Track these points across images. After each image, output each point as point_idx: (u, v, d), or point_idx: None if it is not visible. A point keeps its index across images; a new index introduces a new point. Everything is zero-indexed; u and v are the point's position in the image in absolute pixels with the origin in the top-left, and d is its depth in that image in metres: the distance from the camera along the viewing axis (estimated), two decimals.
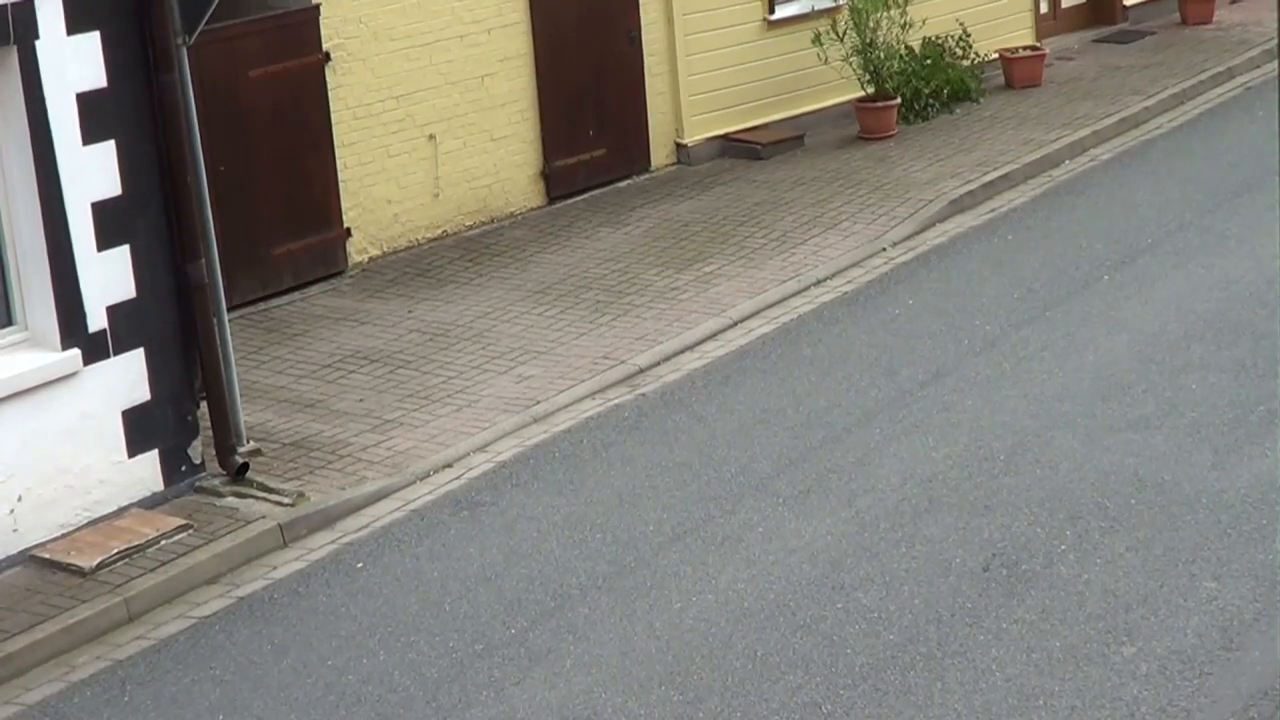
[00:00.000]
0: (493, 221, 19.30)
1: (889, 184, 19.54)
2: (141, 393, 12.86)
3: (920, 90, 22.09)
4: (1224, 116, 21.53)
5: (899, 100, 21.72)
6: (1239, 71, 23.37)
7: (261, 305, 17.05)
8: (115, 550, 12.21)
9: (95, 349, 12.55)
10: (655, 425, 13.99)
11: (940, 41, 22.55)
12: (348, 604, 11.67)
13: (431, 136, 18.59)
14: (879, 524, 12.01)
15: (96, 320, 12.55)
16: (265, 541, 12.54)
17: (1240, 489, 12.05)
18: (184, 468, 13.17)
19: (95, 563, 12.08)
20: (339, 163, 17.69)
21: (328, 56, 17.56)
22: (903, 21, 21.37)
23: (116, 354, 12.68)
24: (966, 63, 22.72)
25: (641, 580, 11.57)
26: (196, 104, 13.15)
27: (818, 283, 16.91)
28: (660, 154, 20.93)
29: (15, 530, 12.19)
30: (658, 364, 15.26)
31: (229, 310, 13.82)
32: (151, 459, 12.97)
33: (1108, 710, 9.65)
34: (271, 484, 13.20)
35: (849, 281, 16.93)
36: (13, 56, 12.04)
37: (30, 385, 12.19)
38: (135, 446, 12.84)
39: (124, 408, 12.76)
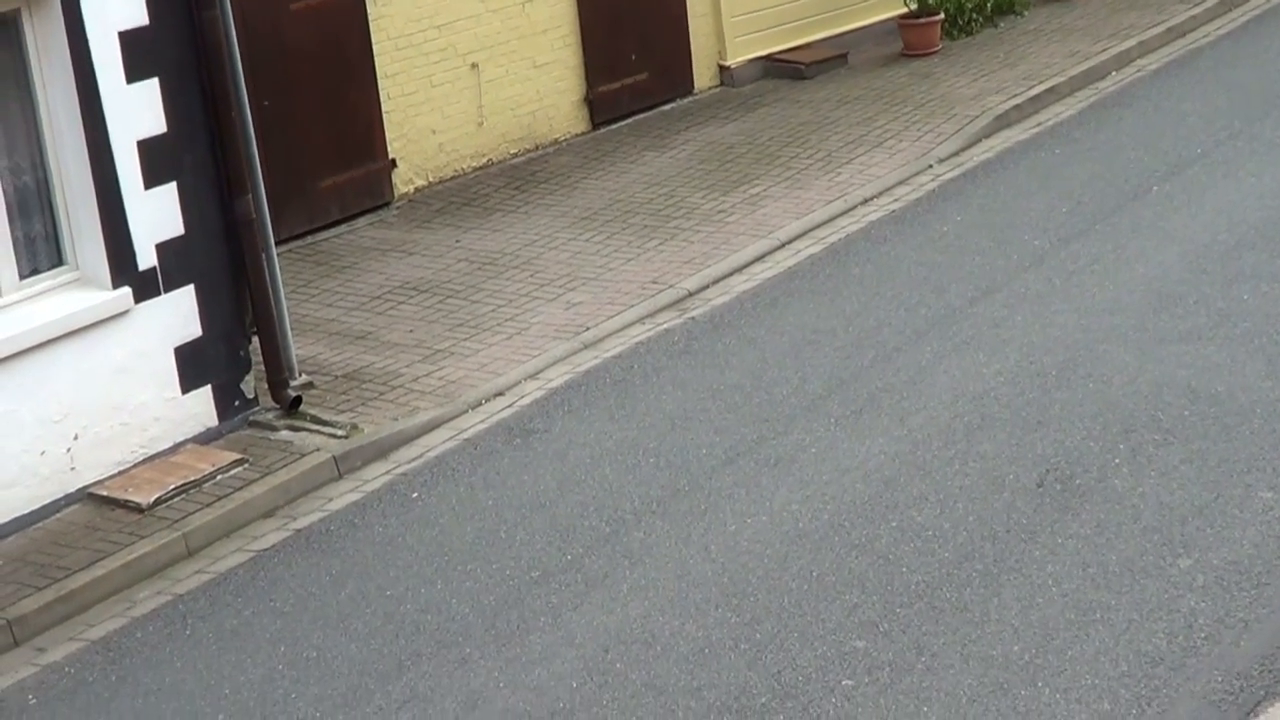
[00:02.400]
0: (537, 149, 19.28)
1: (934, 100, 19.44)
2: (193, 329, 12.91)
3: (964, 4, 21.93)
4: (1272, 23, 21.31)
5: (942, 15, 21.57)
6: None
7: (309, 239, 17.09)
8: (172, 486, 12.30)
9: (146, 287, 12.60)
10: (705, 348, 14.00)
11: None
12: (404, 534, 11.73)
13: (474, 65, 18.56)
14: (931, 442, 12.01)
15: (146, 258, 12.60)
16: (320, 474, 12.61)
17: None
18: (237, 402, 13.24)
19: (153, 499, 12.17)
20: (382, 94, 17.68)
21: None
22: None
23: (167, 291, 12.73)
24: None
25: (696, 503, 11.60)
26: (239, 39, 13.13)
27: (864, 202, 16.86)
28: (703, 76, 20.86)
29: (73, 469, 12.27)
30: (706, 287, 15.26)
31: (277, 244, 13.84)
32: (205, 395, 13.03)
33: (1165, 623, 9.65)
34: (325, 416, 13.25)
35: (896, 200, 16.87)
36: None
37: (83, 324, 12.26)
38: (189, 383, 12.91)
39: (176, 344, 12.82)
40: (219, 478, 12.47)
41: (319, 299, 15.67)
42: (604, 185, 18.02)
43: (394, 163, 17.88)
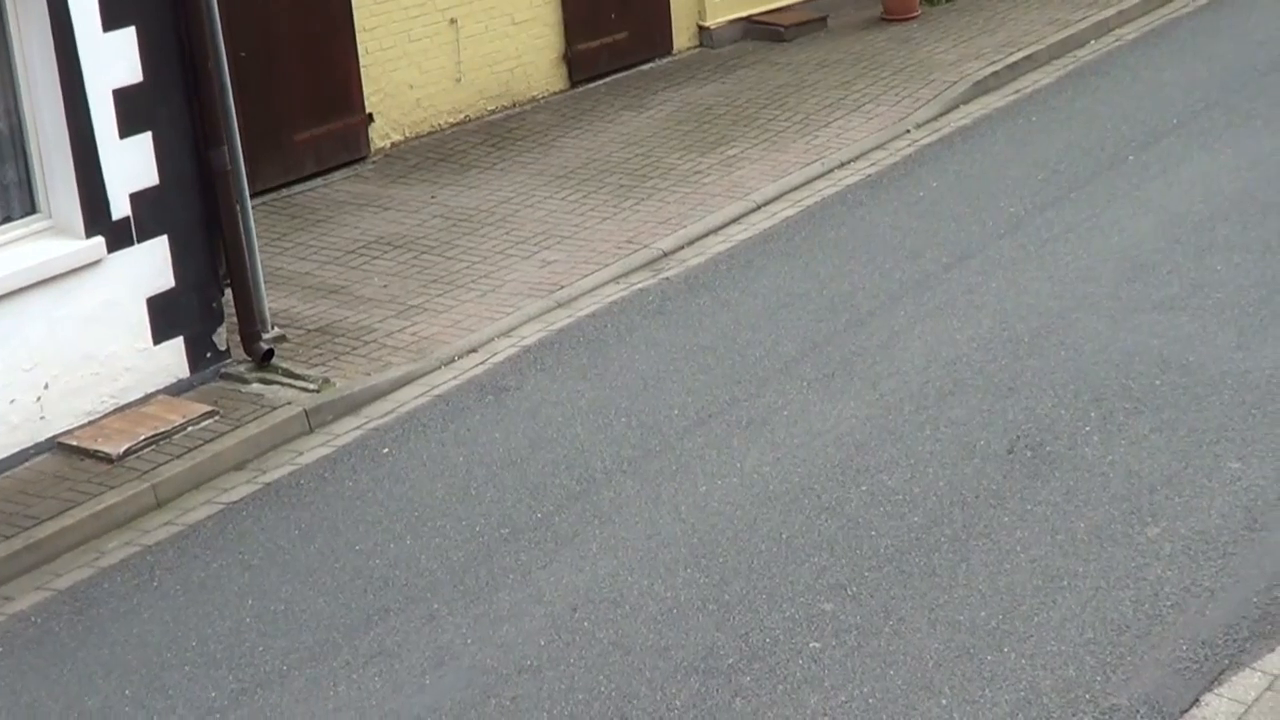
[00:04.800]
0: (515, 106, 19.24)
1: (912, 66, 19.43)
2: (166, 280, 12.87)
3: None
4: None
5: None
6: None
7: (284, 191, 17.04)
8: (142, 437, 12.27)
9: (119, 236, 12.56)
10: (679, 309, 14.00)
11: None
12: (374, 489, 11.73)
13: (453, 20, 18.50)
14: (903, 406, 12.02)
15: (120, 208, 12.55)
16: (291, 427, 12.59)
17: (1265, 369, 12.03)
18: (209, 354, 13.21)
19: (123, 449, 12.14)
20: (360, 48, 17.61)
21: None
22: None
23: (140, 241, 12.68)
24: None
25: (666, 464, 11.61)
26: None
27: (841, 165, 16.85)
28: (682, 37, 20.82)
29: (43, 418, 12.24)
30: (681, 248, 15.25)
31: (252, 197, 13.82)
32: (177, 346, 13.00)
33: (1131, 590, 9.69)
34: (297, 370, 13.23)
35: (872, 164, 16.87)
36: None
37: (55, 273, 12.21)
38: (161, 334, 12.88)
39: (149, 295, 12.78)
40: (189, 429, 12.45)
41: (293, 252, 15.64)
42: (581, 144, 18.00)
43: (371, 117, 17.82)
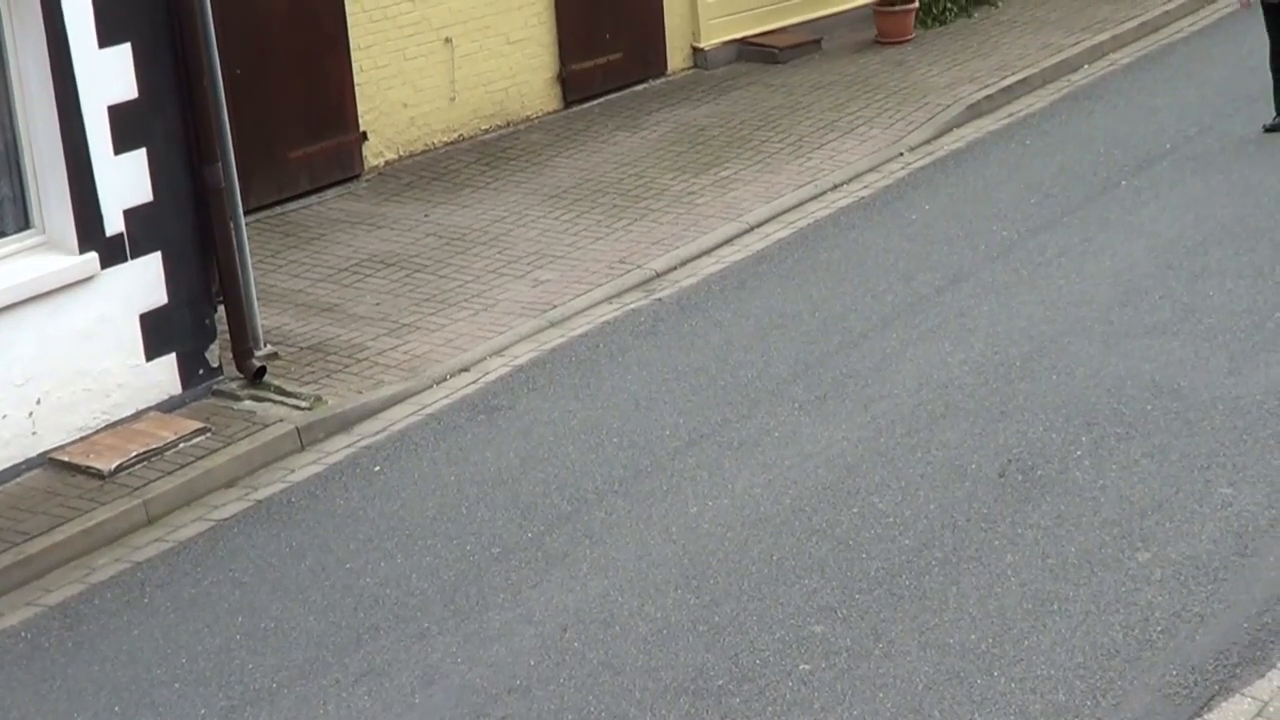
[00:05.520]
0: (509, 125, 19.25)
1: (906, 88, 19.46)
2: (159, 296, 12.87)
3: None
4: (1244, 20, 21.32)
5: (917, 4, 21.58)
6: None
7: (278, 209, 17.04)
8: (133, 453, 12.26)
9: (112, 252, 12.56)
10: (671, 330, 14.00)
11: None
12: (365, 507, 11.72)
13: (448, 39, 18.52)
14: (895, 429, 12.03)
15: (114, 224, 12.55)
16: (283, 445, 12.58)
17: (1256, 395, 12.05)
18: (201, 371, 13.21)
19: (114, 465, 12.13)
20: (355, 66, 17.62)
21: None
22: None
23: (134, 257, 12.69)
24: None
25: (658, 484, 11.61)
26: (212, 6, 13.08)
27: (834, 188, 16.87)
28: (677, 58, 20.85)
29: (34, 433, 12.23)
30: (674, 269, 15.26)
31: (245, 214, 13.82)
32: (169, 362, 13.00)
33: (1122, 615, 9.69)
34: (289, 387, 13.23)
35: (866, 186, 16.89)
36: None
37: (48, 289, 12.21)
38: (153, 350, 12.87)
39: (142, 311, 12.78)
40: (181, 446, 12.44)
41: (286, 269, 15.64)
42: (574, 164, 18.01)
43: (365, 135, 17.83)
